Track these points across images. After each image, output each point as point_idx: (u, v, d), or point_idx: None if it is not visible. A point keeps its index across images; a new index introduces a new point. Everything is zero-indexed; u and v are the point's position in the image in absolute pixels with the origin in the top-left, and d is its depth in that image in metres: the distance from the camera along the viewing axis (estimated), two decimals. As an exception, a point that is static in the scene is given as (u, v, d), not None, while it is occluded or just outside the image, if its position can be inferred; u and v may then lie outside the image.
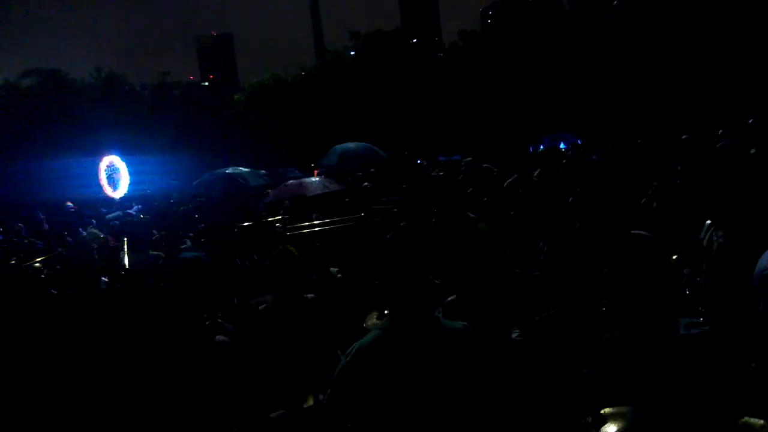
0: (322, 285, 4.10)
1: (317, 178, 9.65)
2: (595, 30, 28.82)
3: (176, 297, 3.10)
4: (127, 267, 4.68)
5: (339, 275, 4.44)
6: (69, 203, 10.12)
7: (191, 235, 6.36)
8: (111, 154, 8.04)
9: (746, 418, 2.25)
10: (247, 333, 3.33)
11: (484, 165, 7.68)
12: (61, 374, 3.26)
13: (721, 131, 9.02)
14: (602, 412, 2.24)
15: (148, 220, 6.97)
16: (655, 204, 5.78)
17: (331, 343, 3.15)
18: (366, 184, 8.63)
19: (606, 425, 2.18)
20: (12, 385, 3.27)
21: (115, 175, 7.89)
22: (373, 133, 23.90)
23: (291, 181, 9.16)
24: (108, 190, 7.79)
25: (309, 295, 3.53)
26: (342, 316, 3.60)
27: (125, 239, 5.01)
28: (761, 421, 2.26)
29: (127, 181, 8.40)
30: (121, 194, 8.07)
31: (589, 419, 2.20)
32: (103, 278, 4.87)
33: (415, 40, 42.87)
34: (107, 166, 7.68)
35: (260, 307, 3.43)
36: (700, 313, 3.64)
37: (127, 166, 8.85)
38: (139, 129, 29.52)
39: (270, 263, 3.49)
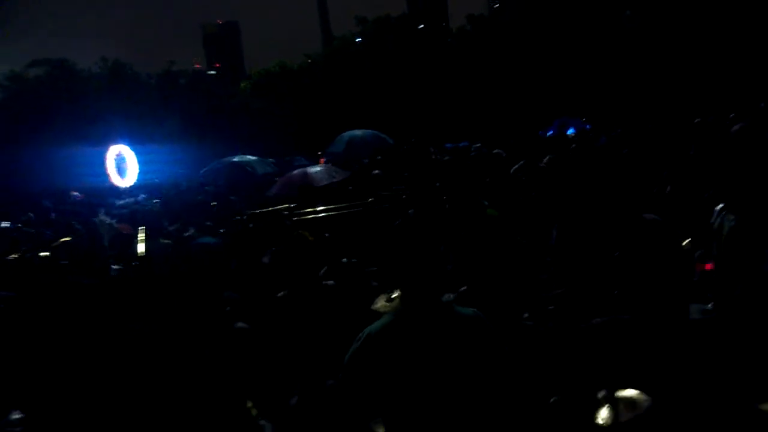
0: (334, 274, 4.11)
1: (321, 167, 9.51)
2: (605, 15, 28.48)
3: (192, 282, 3.10)
4: (141, 255, 4.68)
5: (353, 261, 4.44)
6: (75, 192, 10.17)
7: (209, 224, 6.37)
8: (119, 143, 8.06)
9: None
10: (266, 320, 3.34)
11: (495, 150, 7.62)
12: (68, 365, 3.28)
13: (733, 115, 8.91)
14: (617, 394, 2.23)
15: (159, 209, 6.99)
16: (668, 188, 5.72)
17: (349, 329, 3.14)
18: (376, 171, 8.58)
19: (619, 408, 2.18)
20: (18, 377, 3.29)
21: (123, 165, 7.91)
22: (381, 119, 23.83)
23: (295, 172, 9.02)
24: (116, 179, 7.81)
25: (328, 282, 3.53)
26: (359, 301, 3.60)
27: (143, 227, 5.01)
28: None
29: (136, 171, 8.42)
30: (130, 183, 8.10)
31: (602, 395, 2.20)
32: (113, 266, 4.89)
33: (422, 26, 42.52)
34: (116, 156, 7.69)
35: (278, 294, 3.45)
36: (710, 298, 3.62)
37: (135, 156, 8.85)
38: (146, 118, 29.59)
39: (284, 250, 3.48)
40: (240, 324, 3.17)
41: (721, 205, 3.59)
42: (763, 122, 7.58)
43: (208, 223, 6.65)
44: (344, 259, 4.48)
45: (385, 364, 2.01)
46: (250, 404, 3.05)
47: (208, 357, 2.93)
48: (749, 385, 2.75)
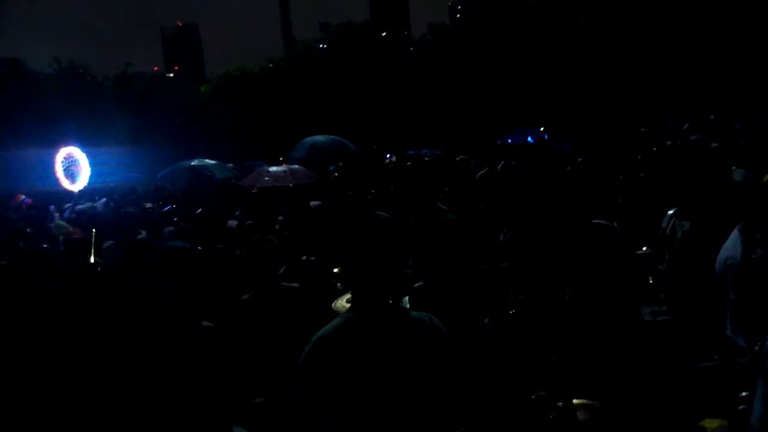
0: (295, 274, 4.09)
1: (299, 166, 9.68)
2: (562, 25, 29.23)
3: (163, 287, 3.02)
4: (92, 260, 4.52)
5: (312, 260, 4.43)
6: (23, 196, 9.78)
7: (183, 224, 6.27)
8: (69, 145, 7.73)
9: (705, 420, 2.31)
10: (230, 324, 3.31)
11: (459, 157, 7.72)
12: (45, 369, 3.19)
13: (687, 125, 9.28)
14: (574, 401, 2.24)
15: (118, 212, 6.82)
16: (620, 199, 5.88)
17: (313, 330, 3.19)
18: (336, 174, 8.61)
19: (576, 413, 2.19)
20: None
21: (74, 168, 7.57)
22: (344, 126, 23.78)
23: (273, 168, 9.13)
24: (65, 183, 7.48)
25: (292, 284, 3.53)
26: (323, 302, 3.61)
27: (93, 231, 4.83)
28: (717, 421, 2.32)
29: (88, 174, 8.10)
30: (81, 187, 7.75)
31: (560, 405, 2.21)
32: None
33: (384, 34, 42.79)
34: (64, 158, 7.37)
35: (242, 298, 3.46)
36: (663, 300, 3.71)
37: (88, 159, 8.55)
38: (100, 120, 28.79)
39: (247, 255, 3.48)
40: (205, 323, 3.11)
41: (672, 211, 3.70)
42: (715, 133, 7.90)
43: (183, 224, 6.53)
44: (303, 257, 4.44)
45: (335, 368, 1.98)
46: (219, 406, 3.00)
47: (175, 359, 2.85)
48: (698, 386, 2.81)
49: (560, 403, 2.28)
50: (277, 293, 3.44)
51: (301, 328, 2.88)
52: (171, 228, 6.61)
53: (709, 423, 2.29)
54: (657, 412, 2.48)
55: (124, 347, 2.97)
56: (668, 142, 7.71)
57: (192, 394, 2.82)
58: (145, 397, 2.81)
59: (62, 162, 7.36)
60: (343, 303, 3.52)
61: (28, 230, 7.23)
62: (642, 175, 6.04)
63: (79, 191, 8.09)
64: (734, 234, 2.92)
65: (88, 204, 9.80)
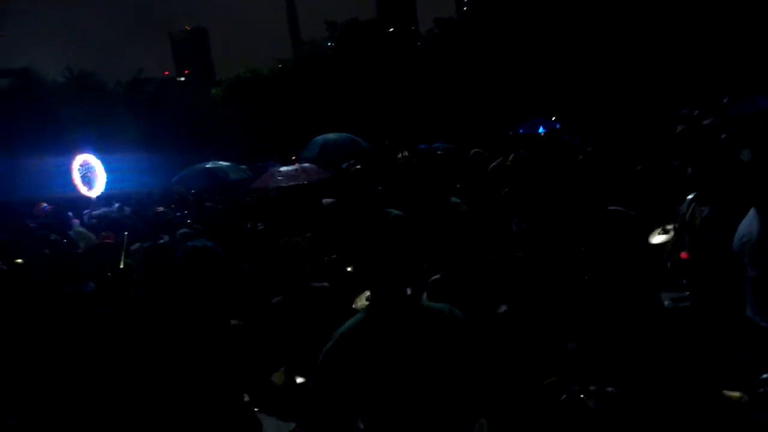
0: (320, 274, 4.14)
1: (309, 164, 9.69)
2: (567, 16, 28.97)
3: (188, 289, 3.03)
4: (122, 265, 4.60)
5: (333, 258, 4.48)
6: (45, 204, 9.96)
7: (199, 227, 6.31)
8: (85, 152, 7.87)
9: (724, 392, 2.30)
10: (260, 325, 3.36)
11: (474, 150, 7.72)
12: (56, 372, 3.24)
13: (697, 112, 9.13)
14: (590, 388, 2.24)
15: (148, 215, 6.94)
16: (639, 186, 5.83)
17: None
18: (358, 166, 8.64)
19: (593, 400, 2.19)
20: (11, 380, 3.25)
21: (90, 174, 7.71)
22: (354, 123, 23.79)
23: (284, 168, 9.13)
24: (83, 190, 7.62)
25: (323, 284, 3.58)
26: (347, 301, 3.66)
27: (126, 234, 4.92)
28: (737, 393, 2.31)
29: (104, 180, 8.23)
30: (98, 193, 7.90)
31: (578, 390, 2.21)
32: (90, 282, 4.76)
33: (392, 30, 42.73)
34: (81, 165, 7.50)
35: (273, 301, 3.52)
36: (685, 286, 3.68)
37: (103, 165, 8.68)
38: (114, 127, 29.06)
39: (277, 257, 3.54)
40: (234, 321, 3.16)
41: (691, 196, 3.67)
42: (728, 118, 7.79)
43: (198, 227, 6.60)
44: (326, 258, 4.49)
45: (358, 363, 1.99)
46: (246, 398, 3.04)
47: (203, 354, 2.89)
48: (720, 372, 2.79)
49: (575, 389, 2.28)
50: (308, 294, 3.49)
51: (330, 326, 2.93)
52: (184, 230, 6.67)
53: (730, 394, 2.28)
54: (676, 394, 2.48)
55: (145, 350, 3.00)
56: (680, 128, 7.61)
57: (217, 388, 2.85)
58: (166, 396, 2.84)
59: (79, 169, 7.49)
60: (363, 300, 3.55)
61: (51, 237, 7.36)
62: (657, 161, 5.99)
63: (96, 197, 8.22)
64: (751, 212, 2.90)
65: (103, 209, 9.94)
